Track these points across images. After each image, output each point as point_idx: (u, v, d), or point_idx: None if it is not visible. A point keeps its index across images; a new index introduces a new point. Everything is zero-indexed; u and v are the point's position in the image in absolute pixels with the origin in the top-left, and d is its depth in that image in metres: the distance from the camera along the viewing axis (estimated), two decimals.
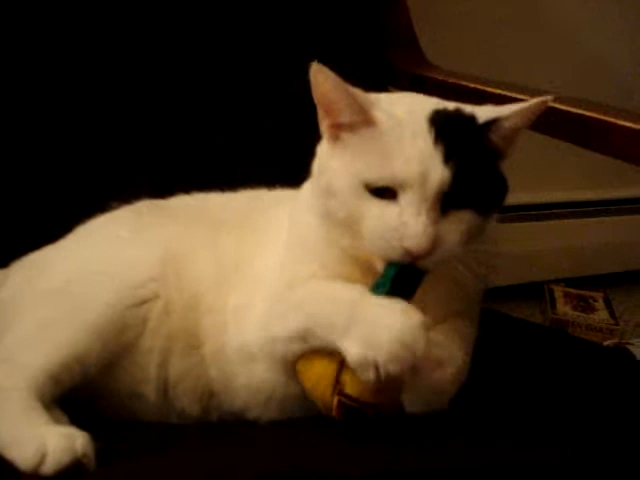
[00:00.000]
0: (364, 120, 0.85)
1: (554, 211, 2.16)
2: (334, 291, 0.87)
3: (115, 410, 0.96)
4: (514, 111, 0.87)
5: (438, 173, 0.82)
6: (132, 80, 1.38)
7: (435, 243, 0.82)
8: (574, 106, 1.17)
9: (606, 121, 1.12)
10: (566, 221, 2.17)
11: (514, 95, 1.19)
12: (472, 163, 0.84)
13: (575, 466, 0.86)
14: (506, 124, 0.87)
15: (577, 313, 2.01)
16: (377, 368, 0.79)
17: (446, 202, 0.83)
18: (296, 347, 0.88)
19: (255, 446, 0.87)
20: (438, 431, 0.86)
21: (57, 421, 0.86)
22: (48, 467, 0.77)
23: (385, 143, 0.84)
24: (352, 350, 0.80)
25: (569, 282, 2.15)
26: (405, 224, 0.82)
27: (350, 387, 0.84)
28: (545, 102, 0.87)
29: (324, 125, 0.89)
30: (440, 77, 1.43)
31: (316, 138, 0.92)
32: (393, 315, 0.81)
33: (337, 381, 0.84)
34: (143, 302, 0.96)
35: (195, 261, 1.00)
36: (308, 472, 0.79)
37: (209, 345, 0.97)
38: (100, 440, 0.81)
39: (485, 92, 1.29)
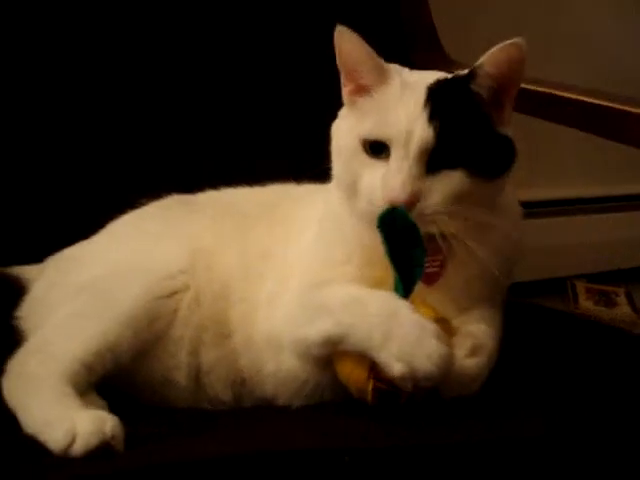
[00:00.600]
0: (382, 80, 0.90)
1: (576, 206, 2.16)
2: (368, 301, 0.88)
3: (150, 396, 0.98)
4: (484, 58, 0.89)
5: (420, 130, 0.86)
6: (161, 79, 1.41)
7: (416, 196, 0.85)
8: (594, 97, 1.18)
9: (624, 110, 1.13)
10: (588, 216, 2.17)
11: (537, 89, 1.21)
12: (460, 122, 0.87)
13: (604, 450, 0.87)
14: (481, 72, 0.88)
15: (599, 308, 2.02)
16: (415, 381, 0.83)
17: (434, 161, 0.87)
18: (328, 349, 0.89)
19: (283, 428, 0.89)
20: (464, 411, 0.88)
21: (93, 406, 0.88)
22: (77, 448, 0.80)
23: (386, 102, 0.89)
24: (393, 367, 0.83)
25: (591, 277, 2.15)
26: (386, 182, 0.86)
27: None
28: (515, 44, 0.87)
29: (345, 92, 0.94)
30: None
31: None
32: (428, 337, 0.83)
33: (372, 367, 0.86)
34: (174, 293, 0.98)
35: (223, 253, 1.02)
36: (338, 449, 0.81)
37: (239, 334, 0.99)
38: (133, 424, 0.84)
39: None
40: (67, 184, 1.32)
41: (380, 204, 0.86)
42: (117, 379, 0.94)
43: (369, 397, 0.86)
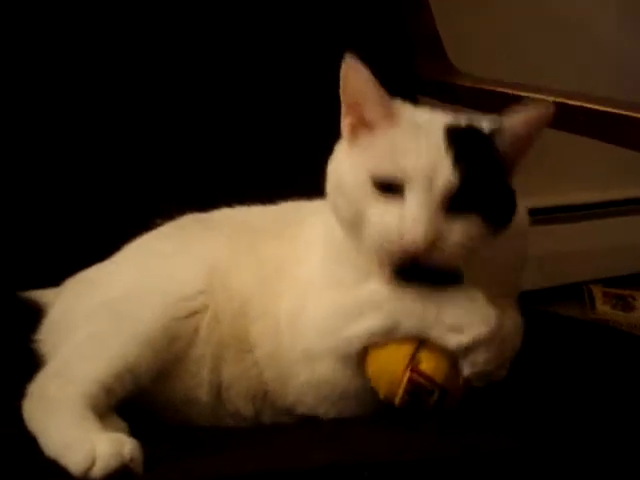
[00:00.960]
0: (388, 118, 0.88)
1: (589, 211, 2.16)
2: (409, 288, 0.89)
3: (171, 416, 0.99)
4: (516, 120, 0.88)
5: (446, 172, 0.84)
6: (171, 99, 1.42)
7: (435, 242, 0.83)
8: (601, 104, 1.19)
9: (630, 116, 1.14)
10: (602, 221, 2.16)
11: (543, 97, 1.21)
12: (480, 170, 0.86)
13: (620, 456, 0.87)
14: (509, 132, 0.88)
15: (617, 312, 2.01)
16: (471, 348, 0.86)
17: (452, 206, 0.85)
18: (372, 344, 0.91)
19: (303, 444, 0.90)
20: (480, 421, 0.89)
21: (114, 428, 0.89)
22: (97, 471, 0.80)
23: (400, 141, 0.87)
24: (449, 338, 0.86)
25: (607, 282, 2.14)
26: (405, 220, 0.84)
27: (426, 364, 0.87)
28: (548, 111, 0.88)
29: (345, 123, 0.92)
30: (469, 84, 1.46)
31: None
32: (478, 303, 0.87)
33: (412, 358, 0.87)
34: (194, 314, 0.99)
35: (239, 270, 1.03)
36: (362, 462, 0.81)
37: (261, 349, 0.99)
38: (153, 444, 0.84)
39: (514, 96, 1.31)
40: (82, 206, 1.33)
41: (396, 248, 0.84)
42: (138, 399, 0.94)
43: (400, 392, 0.87)
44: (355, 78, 0.89)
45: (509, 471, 0.84)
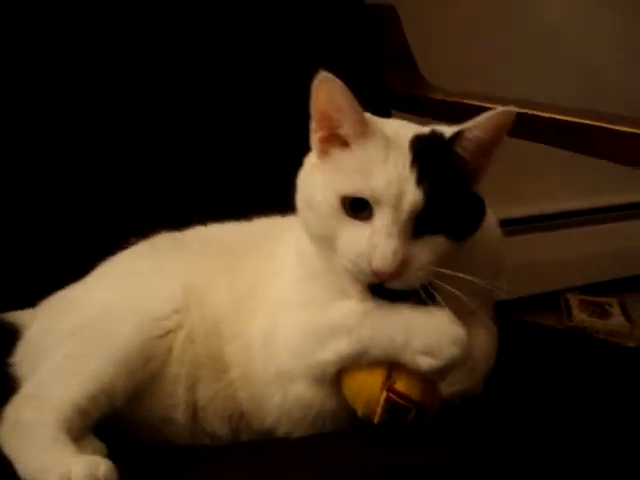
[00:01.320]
0: (361, 132, 0.88)
1: (563, 220, 2.17)
2: (377, 310, 0.89)
3: (149, 436, 0.98)
4: (474, 122, 0.88)
5: (411, 194, 0.85)
6: (154, 116, 1.42)
7: (403, 266, 0.85)
8: (576, 115, 1.20)
9: (607, 128, 1.14)
10: (576, 229, 2.18)
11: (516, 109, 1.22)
12: (444, 185, 0.86)
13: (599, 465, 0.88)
14: (469, 136, 0.88)
15: (594, 319, 2.02)
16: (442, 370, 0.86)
17: (418, 226, 0.86)
18: (346, 365, 0.91)
19: (284, 459, 0.90)
20: (459, 432, 0.90)
21: (91, 449, 0.89)
22: None
23: (369, 159, 0.87)
24: (421, 361, 0.86)
25: (583, 289, 2.16)
26: (374, 246, 0.85)
27: (401, 384, 0.88)
28: (508, 112, 0.87)
29: (315, 138, 0.92)
30: (440, 97, 1.47)
31: None
32: (445, 323, 0.87)
33: (388, 377, 0.87)
34: (168, 333, 0.99)
35: (214, 290, 1.03)
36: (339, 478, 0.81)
37: (236, 369, 0.99)
38: (131, 464, 0.84)
39: (485, 108, 1.31)
40: (56, 226, 1.32)
41: (367, 270, 0.86)
42: (115, 420, 0.94)
43: (378, 411, 0.88)
44: (330, 92, 0.88)
45: None
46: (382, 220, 0.85)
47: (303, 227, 0.94)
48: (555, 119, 1.21)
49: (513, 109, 0.87)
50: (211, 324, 1.01)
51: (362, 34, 1.60)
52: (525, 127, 1.23)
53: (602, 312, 2.06)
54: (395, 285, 0.86)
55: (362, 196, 0.86)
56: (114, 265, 1.10)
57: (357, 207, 0.87)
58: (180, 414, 0.99)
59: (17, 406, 0.91)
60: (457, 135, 0.88)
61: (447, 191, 0.87)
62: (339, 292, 0.92)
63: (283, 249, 1.03)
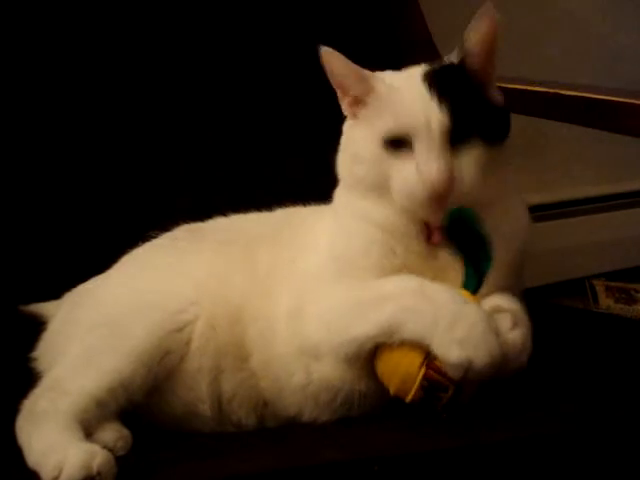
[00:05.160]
0: (368, 89, 0.97)
1: (588, 206, 2.16)
2: (432, 289, 0.90)
3: (175, 426, 0.99)
4: (473, 40, 0.95)
5: (436, 116, 0.92)
6: (170, 113, 1.43)
7: (452, 180, 0.91)
8: (608, 94, 1.19)
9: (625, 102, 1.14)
10: (601, 215, 2.16)
11: (536, 89, 1.22)
12: (462, 100, 0.93)
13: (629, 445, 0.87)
14: (470, 53, 0.95)
15: (620, 305, 2.01)
16: (467, 372, 0.85)
17: (453, 140, 0.92)
18: (383, 341, 0.90)
19: (309, 443, 0.90)
20: (487, 413, 0.89)
21: (112, 436, 0.91)
22: None
23: (390, 103, 0.95)
24: (453, 351, 0.86)
25: (609, 275, 2.14)
26: (422, 171, 0.91)
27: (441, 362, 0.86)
28: (491, 19, 0.94)
29: (344, 104, 1.00)
30: None
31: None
32: (492, 333, 0.87)
33: (428, 354, 0.87)
34: (185, 326, 0.99)
35: (233, 276, 1.03)
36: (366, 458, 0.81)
37: (257, 355, 0.99)
38: (158, 450, 0.85)
39: (511, 89, 1.31)
40: (81, 219, 1.35)
41: (423, 196, 0.91)
42: (141, 411, 0.96)
43: (415, 387, 0.87)
44: (333, 63, 0.98)
45: (518, 461, 0.84)
46: (421, 147, 0.92)
47: (354, 186, 0.99)
48: (586, 97, 1.20)
49: (490, 9, 0.94)
50: (233, 310, 1.01)
51: (383, 20, 1.59)
52: (555, 107, 1.24)
53: (628, 298, 2.05)
54: (452, 203, 0.91)
55: (400, 132, 0.93)
56: (134, 259, 1.10)
57: (397, 145, 0.93)
58: (206, 408, 0.99)
59: (34, 398, 0.92)
60: (463, 56, 0.96)
61: (467, 104, 0.93)
62: (377, 254, 0.95)
63: (310, 230, 1.05)
